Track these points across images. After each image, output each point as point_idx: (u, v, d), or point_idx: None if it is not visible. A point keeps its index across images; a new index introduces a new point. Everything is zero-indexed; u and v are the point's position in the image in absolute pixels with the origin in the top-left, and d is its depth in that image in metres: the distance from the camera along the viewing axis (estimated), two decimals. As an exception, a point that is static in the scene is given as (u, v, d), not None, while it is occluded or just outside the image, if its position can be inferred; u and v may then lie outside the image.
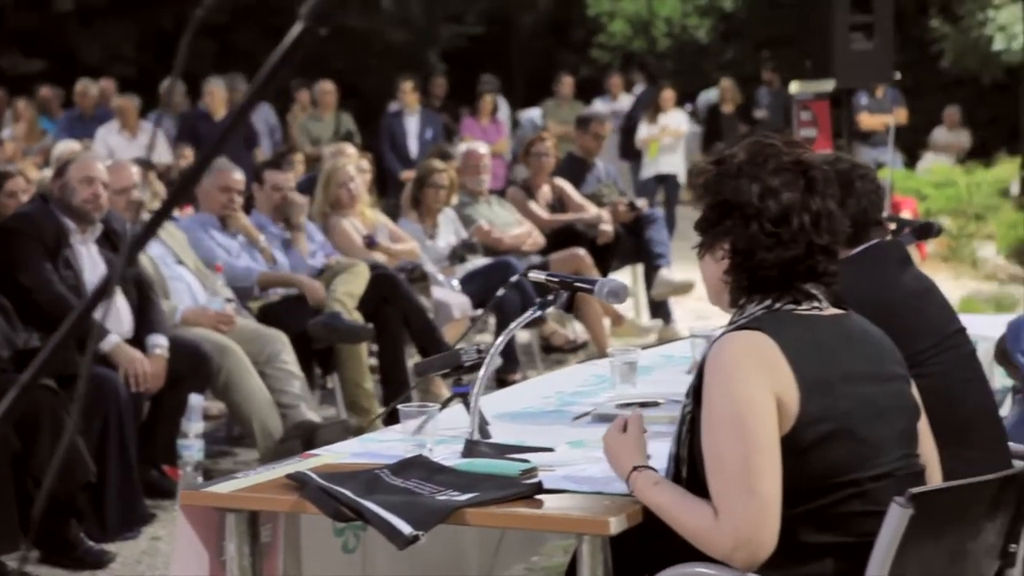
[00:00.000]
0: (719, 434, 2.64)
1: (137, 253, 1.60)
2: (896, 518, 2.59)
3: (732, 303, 2.82)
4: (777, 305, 2.75)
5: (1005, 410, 4.21)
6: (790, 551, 2.66)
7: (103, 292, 1.56)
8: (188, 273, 6.69)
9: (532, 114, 16.50)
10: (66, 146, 8.81)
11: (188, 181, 1.61)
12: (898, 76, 9.66)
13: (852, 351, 2.77)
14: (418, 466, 3.03)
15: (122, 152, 11.16)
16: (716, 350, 2.70)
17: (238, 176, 7.20)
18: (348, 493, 2.85)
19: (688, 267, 9.04)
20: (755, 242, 2.73)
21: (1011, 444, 3.62)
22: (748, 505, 2.60)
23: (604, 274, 8.49)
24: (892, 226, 4.49)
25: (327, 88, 13.66)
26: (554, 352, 8.80)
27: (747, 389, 2.63)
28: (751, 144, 2.81)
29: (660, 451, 2.84)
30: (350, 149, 9.16)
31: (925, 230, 4.72)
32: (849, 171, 3.54)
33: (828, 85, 8.98)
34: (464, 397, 3.37)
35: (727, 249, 2.77)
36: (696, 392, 2.73)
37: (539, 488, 2.89)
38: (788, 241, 2.72)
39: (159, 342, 5.98)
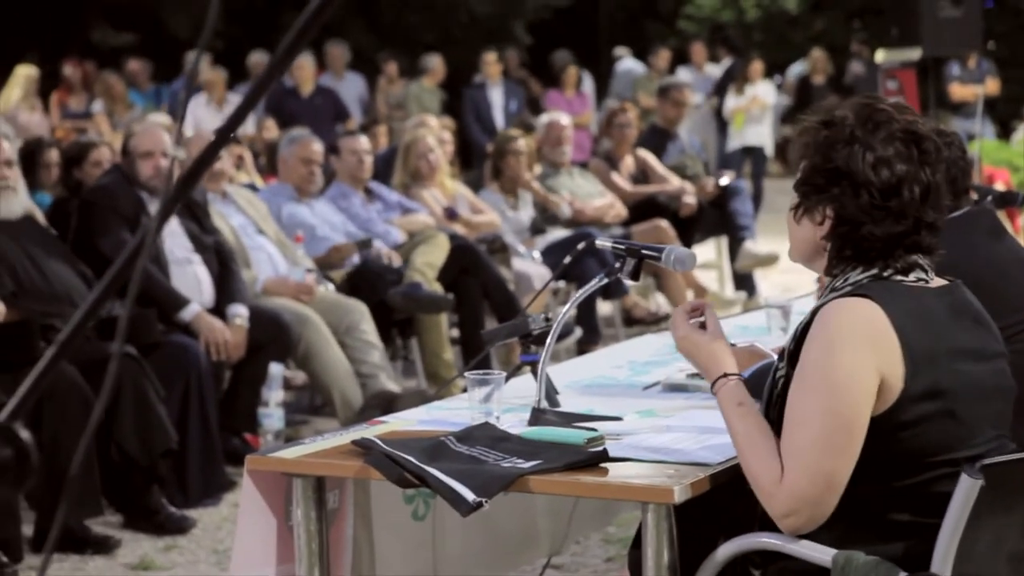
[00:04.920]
0: (808, 399, 2.58)
1: (170, 215, 1.61)
2: (966, 489, 2.53)
3: (828, 270, 2.74)
4: (884, 274, 2.68)
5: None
6: (876, 527, 2.63)
7: (141, 246, 1.56)
8: (269, 243, 6.74)
9: (628, 64, 16.45)
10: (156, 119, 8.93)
11: (218, 141, 1.61)
12: (992, 46, 9.46)
13: (958, 326, 2.69)
14: (483, 434, 3.02)
15: (209, 124, 11.31)
16: (824, 316, 2.62)
17: (317, 147, 7.25)
18: (412, 459, 2.84)
19: (773, 239, 8.97)
20: (863, 213, 2.65)
21: None
22: (813, 481, 2.56)
23: (687, 246, 8.44)
24: (974, 195, 4.41)
25: (438, 63, 13.81)
26: (636, 324, 8.76)
27: (850, 363, 2.56)
28: (860, 107, 2.70)
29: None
30: (431, 120, 9.18)
31: (1008, 198, 4.62)
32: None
33: (915, 53, 8.81)
34: (532, 365, 3.36)
35: (830, 216, 2.69)
36: (792, 356, 2.67)
37: (604, 456, 2.86)
38: (896, 214, 2.64)
39: (240, 311, 6.04)
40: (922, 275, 2.70)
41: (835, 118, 2.70)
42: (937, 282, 2.73)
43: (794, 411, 2.61)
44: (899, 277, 2.68)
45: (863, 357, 2.57)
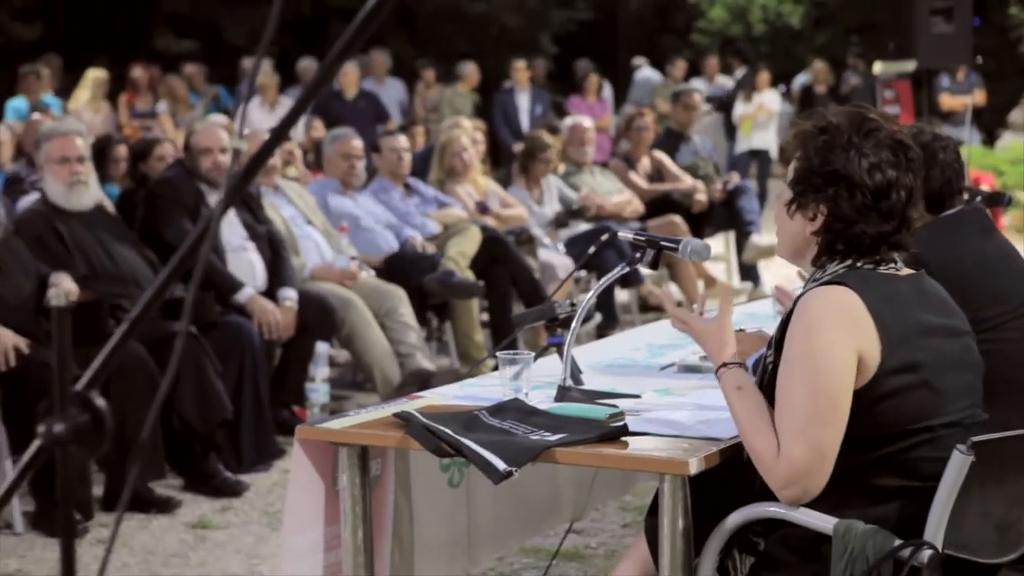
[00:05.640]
0: (795, 380, 2.59)
1: (231, 204, 1.60)
2: (958, 464, 2.52)
3: (815, 261, 2.75)
4: (859, 264, 2.70)
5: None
6: (864, 493, 2.62)
7: (204, 233, 1.55)
8: (316, 232, 6.74)
9: (646, 73, 16.43)
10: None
11: (275, 139, 1.60)
12: (980, 60, 9.42)
13: (927, 307, 2.71)
14: (513, 408, 3.00)
15: (262, 123, 11.32)
16: (803, 304, 2.64)
17: (357, 143, 7.26)
18: (448, 431, 2.84)
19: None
20: (857, 213, 2.66)
21: None
22: (807, 452, 2.56)
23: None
24: (965, 196, 4.37)
25: (472, 69, 13.77)
26: (650, 311, 8.75)
27: (829, 344, 2.57)
28: (853, 115, 2.71)
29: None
30: (465, 122, 9.17)
31: (995, 199, 4.58)
32: (931, 142, 3.42)
33: (909, 65, 8.79)
34: (558, 347, 3.34)
35: (824, 213, 2.70)
36: (779, 343, 2.67)
37: (624, 431, 2.85)
38: (885, 215, 2.66)
39: (290, 295, 6.04)
40: (893, 265, 2.72)
41: (830, 124, 2.71)
42: (905, 271, 2.75)
43: (783, 392, 2.61)
44: (871, 266, 2.70)
45: (841, 337, 2.57)
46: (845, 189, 2.66)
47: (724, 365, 2.75)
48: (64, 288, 5.10)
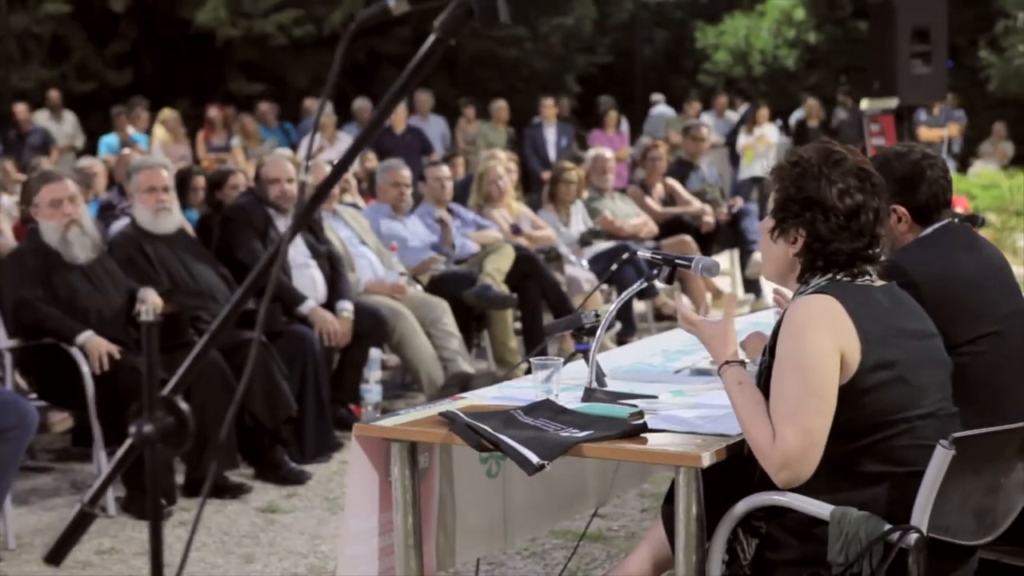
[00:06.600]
0: (785, 376, 2.58)
1: (299, 229, 1.60)
2: (941, 457, 2.50)
3: (799, 278, 2.75)
4: (838, 277, 2.70)
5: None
6: (851, 479, 2.60)
7: (275, 255, 1.55)
8: (370, 252, 6.74)
9: (661, 109, 16.39)
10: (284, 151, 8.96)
11: (337, 171, 1.60)
12: (948, 98, 9.38)
13: (900, 312, 2.71)
14: (545, 408, 2.99)
15: (322, 156, 11.33)
16: (791, 311, 2.64)
17: (406, 172, 7.27)
18: (488, 428, 2.82)
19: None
20: (832, 233, 2.67)
21: None
22: (799, 438, 2.54)
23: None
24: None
25: (502, 105, 13.75)
26: (665, 320, 8.71)
27: (814, 344, 2.56)
28: (821, 149, 2.73)
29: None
30: (500, 153, 9.17)
31: (971, 220, 4.52)
32: (920, 160, 3.34)
33: (892, 102, 8.78)
34: (584, 353, 3.32)
35: (802, 236, 2.70)
36: (771, 348, 2.66)
37: (644, 428, 2.83)
38: (857, 233, 2.67)
39: (346, 307, 6.05)
40: (868, 277, 2.72)
41: (802, 158, 2.73)
42: (879, 282, 2.75)
43: (776, 386, 2.60)
44: (848, 279, 2.70)
45: (825, 338, 2.57)
46: (820, 212, 2.67)
47: (727, 363, 2.74)
48: (152, 302, 5.12)
